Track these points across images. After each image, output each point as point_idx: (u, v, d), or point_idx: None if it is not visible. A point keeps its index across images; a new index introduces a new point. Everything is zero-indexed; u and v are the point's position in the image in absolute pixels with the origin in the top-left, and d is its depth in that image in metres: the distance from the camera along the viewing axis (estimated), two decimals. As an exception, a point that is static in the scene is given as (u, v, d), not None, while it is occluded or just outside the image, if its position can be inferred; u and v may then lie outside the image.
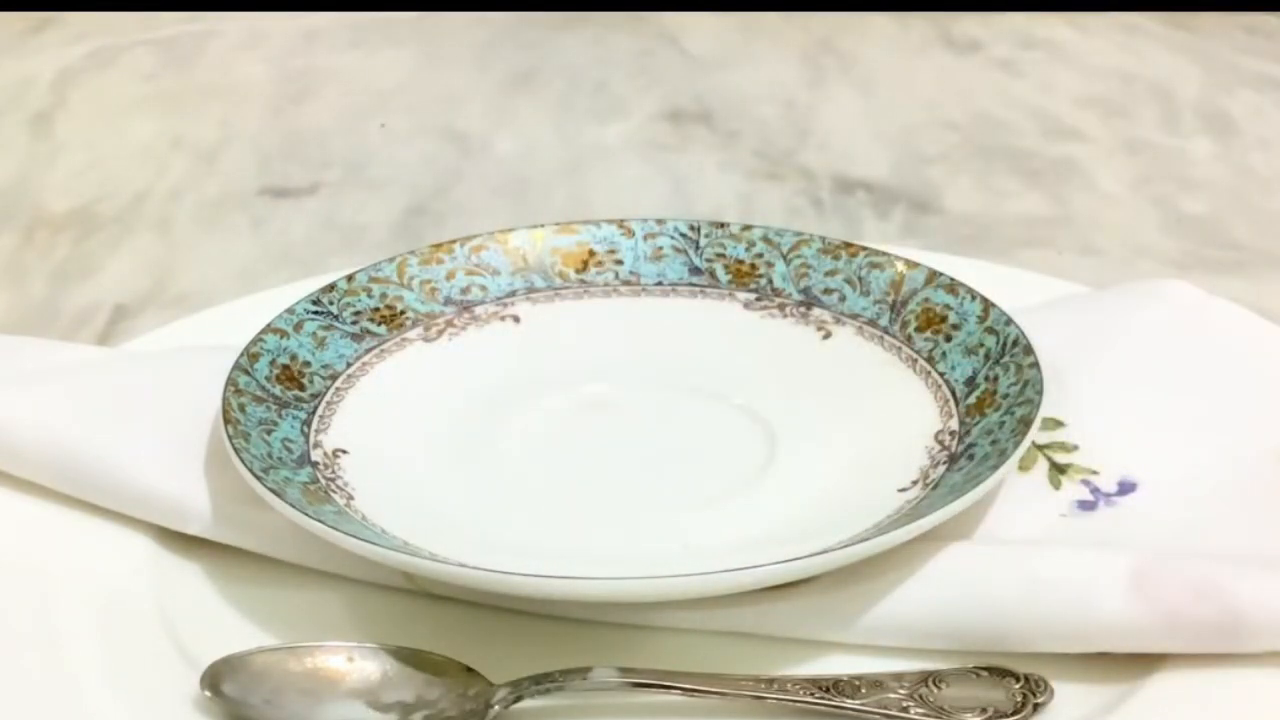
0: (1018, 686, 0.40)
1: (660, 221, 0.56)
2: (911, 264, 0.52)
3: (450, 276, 0.54)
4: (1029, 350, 0.47)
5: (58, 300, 0.65)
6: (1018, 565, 0.41)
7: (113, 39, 0.94)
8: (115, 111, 0.85)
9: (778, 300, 0.53)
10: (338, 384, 0.49)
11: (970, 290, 0.50)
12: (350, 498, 0.44)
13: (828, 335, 0.52)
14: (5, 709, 0.39)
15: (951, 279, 0.51)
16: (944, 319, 0.50)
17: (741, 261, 0.54)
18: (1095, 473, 0.47)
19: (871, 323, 0.51)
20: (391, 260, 0.53)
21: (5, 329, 0.60)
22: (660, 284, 0.54)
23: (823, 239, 0.54)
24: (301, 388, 0.48)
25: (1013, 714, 0.39)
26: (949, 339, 0.49)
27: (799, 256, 0.54)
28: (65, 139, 0.81)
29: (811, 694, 0.39)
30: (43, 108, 0.85)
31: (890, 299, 0.51)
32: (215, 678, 0.39)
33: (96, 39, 0.94)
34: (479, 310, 0.53)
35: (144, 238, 0.70)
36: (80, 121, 0.84)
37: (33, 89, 0.87)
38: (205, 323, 0.56)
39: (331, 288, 0.52)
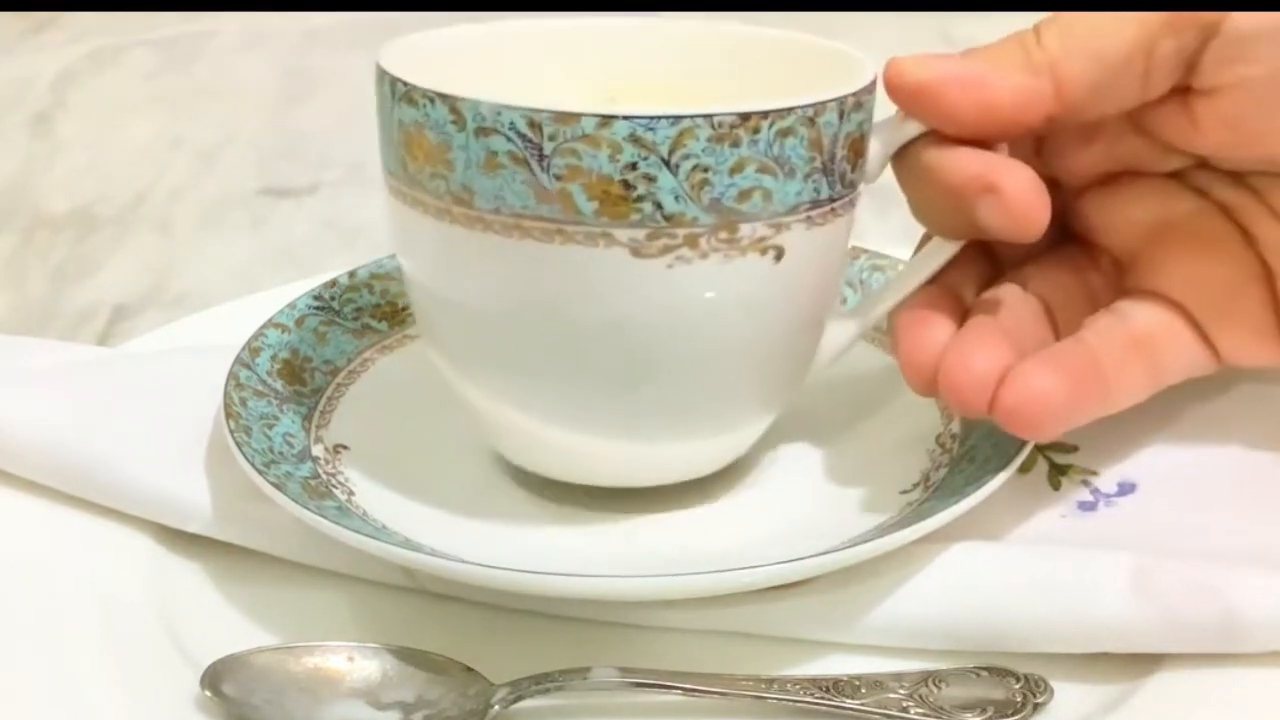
0: (1018, 686, 0.40)
1: None
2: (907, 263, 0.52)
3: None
4: (1029, 351, 0.47)
5: (58, 300, 0.65)
6: (1017, 565, 0.41)
7: (113, 39, 0.95)
8: (115, 111, 0.85)
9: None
10: (339, 380, 0.49)
11: (971, 291, 0.50)
12: (351, 493, 0.44)
13: (828, 335, 0.52)
14: (6, 709, 0.39)
15: (952, 280, 0.51)
16: (944, 319, 0.50)
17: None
18: (1095, 473, 0.47)
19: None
20: (393, 257, 0.53)
21: (5, 329, 0.60)
22: None
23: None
24: (303, 383, 0.48)
25: (1013, 714, 0.39)
26: (949, 339, 0.49)
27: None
28: (65, 139, 0.81)
29: (811, 694, 0.39)
30: (43, 108, 0.85)
31: (891, 300, 0.51)
32: (215, 678, 0.39)
33: (96, 39, 0.94)
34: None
35: (143, 238, 0.70)
36: (80, 121, 0.84)
37: (33, 89, 0.87)
38: (205, 323, 0.56)
39: (333, 284, 0.52)
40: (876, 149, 0.42)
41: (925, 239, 0.45)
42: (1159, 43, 0.41)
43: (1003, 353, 0.41)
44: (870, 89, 0.41)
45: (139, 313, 0.63)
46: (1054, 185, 0.46)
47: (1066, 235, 0.47)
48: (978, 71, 0.41)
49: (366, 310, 0.52)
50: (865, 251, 0.53)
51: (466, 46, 0.47)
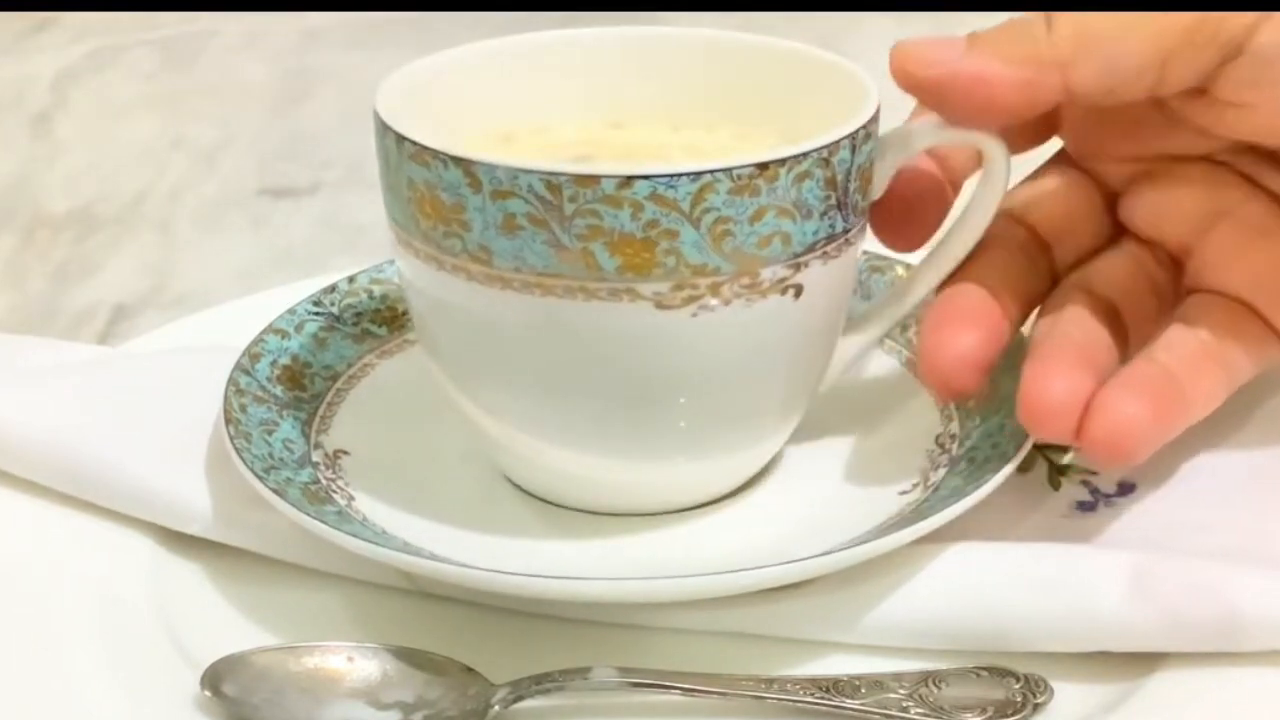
0: (1018, 686, 0.40)
1: None
2: (911, 268, 0.52)
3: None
4: (1030, 352, 0.47)
5: (58, 300, 0.65)
6: (1018, 565, 0.41)
7: (113, 39, 0.94)
8: (115, 111, 0.85)
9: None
10: (338, 385, 0.49)
11: (970, 291, 0.50)
12: (351, 498, 0.44)
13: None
14: (5, 709, 0.39)
15: (951, 280, 0.51)
16: (944, 320, 0.50)
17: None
18: (1095, 473, 0.47)
19: (872, 324, 0.51)
20: (392, 261, 0.53)
21: (5, 329, 0.60)
22: None
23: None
24: (303, 389, 0.48)
25: (1013, 714, 0.39)
26: (949, 340, 0.49)
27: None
28: (65, 139, 0.81)
29: (811, 694, 0.39)
30: (43, 108, 0.85)
31: (890, 301, 0.51)
32: (215, 678, 0.39)
33: (96, 39, 0.94)
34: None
35: (144, 238, 0.70)
36: (80, 121, 0.84)
37: (33, 89, 0.87)
38: (205, 323, 0.56)
39: (332, 289, 0.52)
40: (881, 171, 0.43)
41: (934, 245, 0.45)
42: (1174, 59, 0.40)
43: (1081, 376, 0.41)
44: (876, 117, 0.41)
45: (139, 313, 0.63)
46: (1099, 183, 0.46)
47: (1122, 229, 0.46)
48: (983, 68, 0.41)
49: (366, 315, 0.52)
50: (865, 252, 0.53)
51: (461, 72, 0.46)
